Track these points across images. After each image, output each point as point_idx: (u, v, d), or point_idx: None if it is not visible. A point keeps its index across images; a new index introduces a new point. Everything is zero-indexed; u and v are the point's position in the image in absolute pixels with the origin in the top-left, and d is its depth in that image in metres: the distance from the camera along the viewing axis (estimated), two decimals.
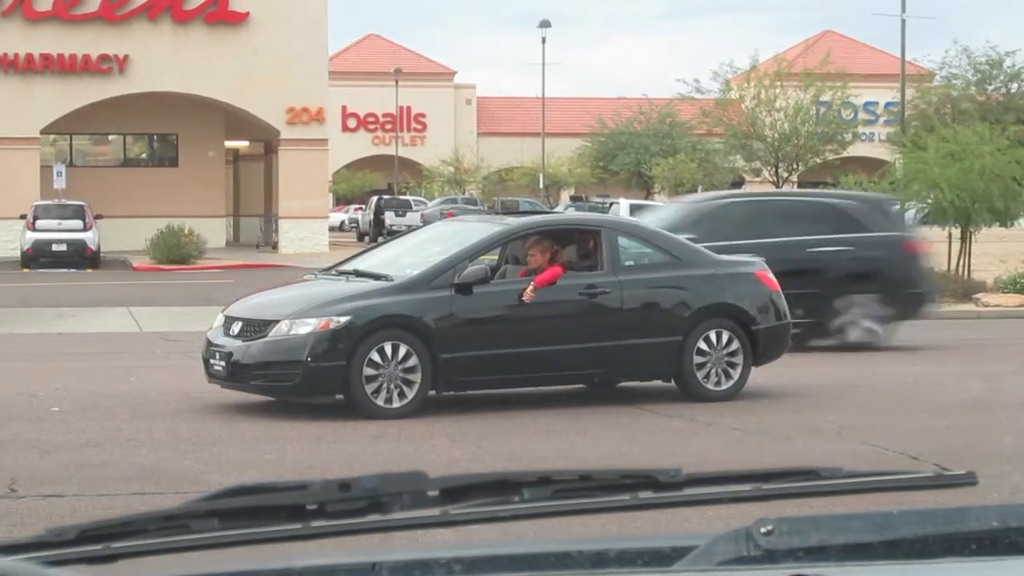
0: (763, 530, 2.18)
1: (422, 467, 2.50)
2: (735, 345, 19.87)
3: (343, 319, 18.55)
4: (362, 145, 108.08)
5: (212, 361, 19.01)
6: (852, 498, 2.54)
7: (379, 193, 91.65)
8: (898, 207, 32.55)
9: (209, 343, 19.24)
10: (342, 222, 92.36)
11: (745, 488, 2.55)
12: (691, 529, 2.37)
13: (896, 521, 2.28)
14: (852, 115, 71.85)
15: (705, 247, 21.23)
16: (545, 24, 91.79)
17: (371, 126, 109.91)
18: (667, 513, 2.47)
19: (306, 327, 18.52)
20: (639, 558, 2.24)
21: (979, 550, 2.21)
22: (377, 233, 75.04)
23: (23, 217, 55.12)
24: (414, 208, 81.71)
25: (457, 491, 2.45)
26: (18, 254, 54.12)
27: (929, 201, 41.50)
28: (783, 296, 20.97)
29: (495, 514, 2.43)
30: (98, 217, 55.60)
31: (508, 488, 2.48)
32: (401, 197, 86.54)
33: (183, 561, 2.26)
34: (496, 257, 19.92)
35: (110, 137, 66.72)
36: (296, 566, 2.20)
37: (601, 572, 2.13)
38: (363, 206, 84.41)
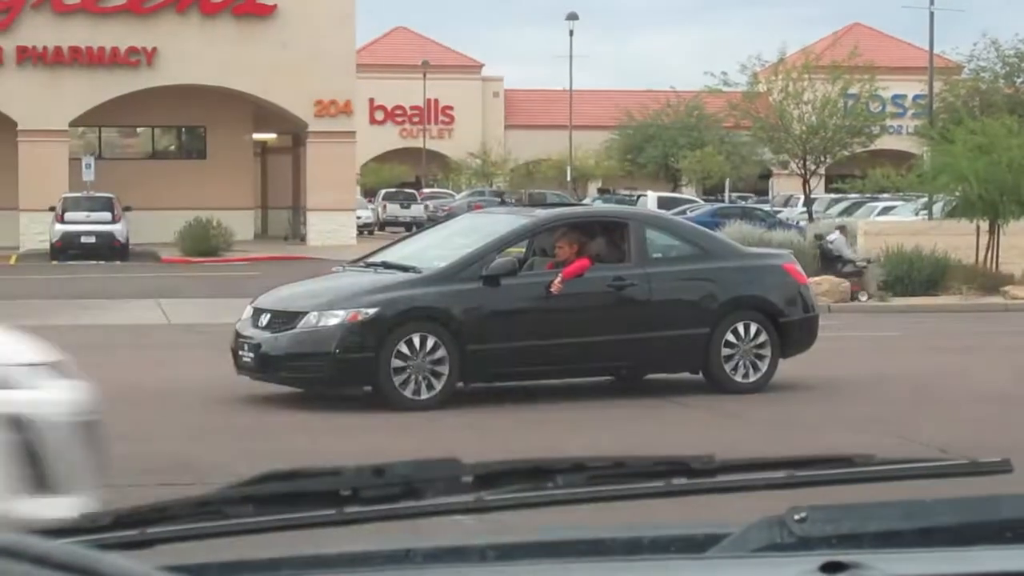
0: (797, 517, 2.18)
1: (453, 456, 2.51)
2: (763, 337, 19.85)
3: (371, 311, 18.57)
4: (390, 138, 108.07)
5: (241, 353, 19.04)
6: (885, 486, 2.53)
7: (408, 186, 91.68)
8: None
9: (238, 335, 19.27)
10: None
11: (778, 475, 2.55)
12: (724, 516, 2.36)
13: (930, 509, 2.28)
14: (880, 108, 71.71)
15: None
16: (572, 17, 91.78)
17: (399, 119, 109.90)
18: (700, 500, 2.46)
19: (334, 319, 18.55)
20: (672, 545, 2.25)
21: (1014, 538, 2.21)
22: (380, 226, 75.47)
23: (52, 209, 55.14)
24: (419, 200, 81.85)
25: (491, 477, 2.46)
26: (47, 246, 54.15)
27: (957, 194, 41.47)
28: (810, 288, 20.97)
29: (529, 500, 2.43)
30: (126, 209, 55.61)
31: (542, 475, 2.49)
32: (406, 190, 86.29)
33: (217, 546, 2.26)
34: (524, 249, 19.91)
35: (138, 129, 66.81)
36: (330, 552, 2.21)
37: (634, 559, 2.13)
38: (372, 200, 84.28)
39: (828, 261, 36.35)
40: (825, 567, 1.86)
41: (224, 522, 2.30)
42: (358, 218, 70.47)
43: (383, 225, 75.90)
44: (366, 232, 67.88)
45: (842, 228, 38.82)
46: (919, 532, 2.20)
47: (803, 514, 2.19)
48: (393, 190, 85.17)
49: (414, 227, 69.02)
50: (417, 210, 78.48)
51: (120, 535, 2.17)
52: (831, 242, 36.75)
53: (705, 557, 2.17)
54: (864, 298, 35.42)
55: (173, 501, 2.37)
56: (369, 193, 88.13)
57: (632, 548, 2.23)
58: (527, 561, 2.16)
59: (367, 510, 2.36)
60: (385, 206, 79.72)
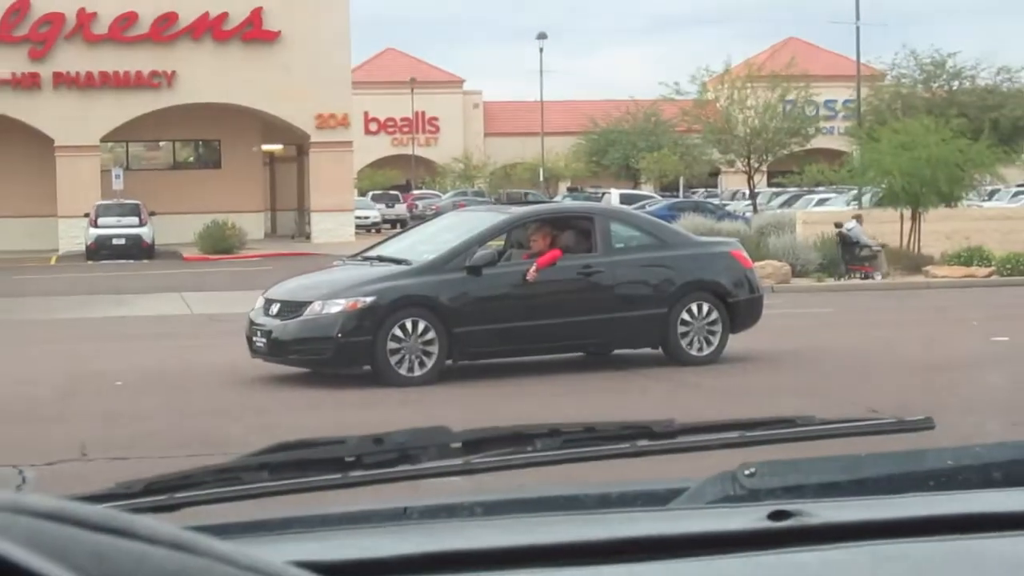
0: (747, 472, 2.19)
1: (443, 425, 2.51)
2: (714, 315, 19.90)
3: (369, 299, 18.59)
4: (383, 146, 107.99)
5: (254, 339, 19.04)
6: (824, 443, 2.53)
7: (398, 188, 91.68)
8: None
9: (251, 322, 19.28)
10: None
11: (731, 436, 2.56)
12: (683, 473, 2.36)
13: (863, 462, 2.28)
14: (814, 111, 71.66)
15: None
16: (542, 36, 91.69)
17: (390, 129, 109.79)
18: (662, 459, 2.47)
19: (336, 307, 18.56)
20: (638, 499, 2.25)
21: (936, 486, 2.21)
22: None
23: (86, 216, 55.20)
24: (402, 201, 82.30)
25: (477, 443, 2.46)
26: (83, 248, 54.17)
27: (883, 186, 41.60)
28: (755, 272, 21.02)
29: (511, 462, 2.43)
30: (152, 214, 55.64)
31: (522, 440, 2.49)
32: (391, 192, 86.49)
33: (237, 509, 2.26)
34: (503, 242, 19.93)
35: (161, 143, 66.67)
36: (336, 511, 2.21)
37: (604, 512, 2.13)
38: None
39: (847, 246, 36.75)
40: (772, 515, 1.86)
41: (242, 487, 2.30)
42: (366, 218, 70.51)
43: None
44: (374, 230, 67.72)
45: (858, 217, 39.05)
46: (854, 483, 2.20)
47: (752, 469, 2.19)
48: (380, 192, 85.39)
49: (398, 223, 69.04)
50: (400, 209, 78.97)
51: (150, 500, 2.17)
52: (849, 230, 37.03)
53: (667, 509, 2.17)
54: (878, 277, 35.74)
55: (196, 470, 2.37)
56: (363, 195, 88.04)
57: (602, 503, 2.24)
58: (510, 516, 2.16)
59: (368, 474, 2.36)
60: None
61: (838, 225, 38.17)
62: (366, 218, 70.60)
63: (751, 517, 1.87)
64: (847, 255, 36.65)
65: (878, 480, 2.22)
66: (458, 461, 2.42)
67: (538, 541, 1.81)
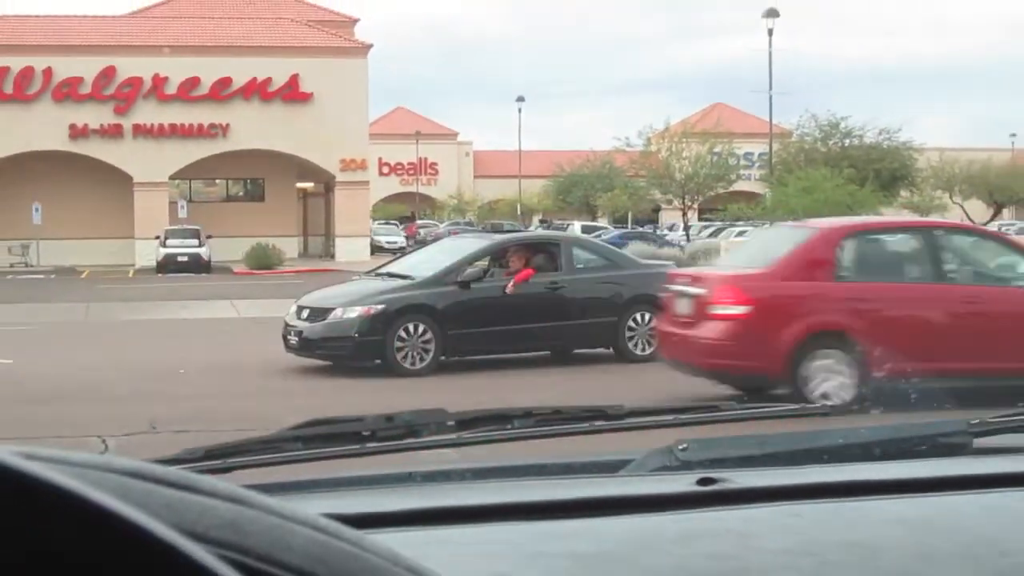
0: (680, 447, 2.19)
1: (441, 407, 2.52)
2: (655, 323, 19.90)
3: (380, 307, 18.59)
4: (392, 185, 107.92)
5: (289, 337, 19.03)
6: (742, 424, 2.54)
7: (404, 219, 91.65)
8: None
9: (287, 324, 19.27)
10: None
11: (668, 418, 2.57)
12: (630, 447, 2.37)
13: (772, 439, 2.29)
14: (735, 162, 71.61)
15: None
16: (520, 99, 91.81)
17: (399, 172, 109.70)
18: (613, 436, 2.47)
19: (354, 312, 18.57)
20: (594, 468, 2.25)
21: (830, 459, 2.22)
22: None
23: (157, 238, 55.23)
24: (400, 228, 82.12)
25: (467, 422, 2.46)
26: (154, 264, 54.13)
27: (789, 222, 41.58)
28: None
29: (494, 437, 2.44)
30: (209, 237, 55.60)
31: (503, 419, 2.49)
32: (391, 222, 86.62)
33: (277, 472, 2.27)
34: (487, 262, 19.93)
35: (217, 181, 66.59)
36: (355, 474, 2.21)
37: (567, 478, 2.14)
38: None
39: None
40: (700, 481, 1.86)
41: (281, 455, 2.30)
42: (394, 242, 70.30)
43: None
44: (399, 253, 67.54)
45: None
46: (765, 456, 2.20)
47: (685, 445, 2.19)
48: (383, 222, 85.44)
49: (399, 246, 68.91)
50: (400, 235, 78.66)
51: (208, 464, 2.17)
52: None
53: (617, 476, 2.17)
54: None
55: (245, 440, 2.37)
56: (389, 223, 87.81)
57: (566, 470, 2.24)
58: (493, 480, 2.16)
59: (381, 445, 2.36)
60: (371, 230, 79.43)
61: None
62: (394, 243, 70.55)
63: (683, 483, 1.88)
64: None
65: (784, 454, 2.22)
66: (452, 436, 2.43)
67: (515, 500, 1.81)
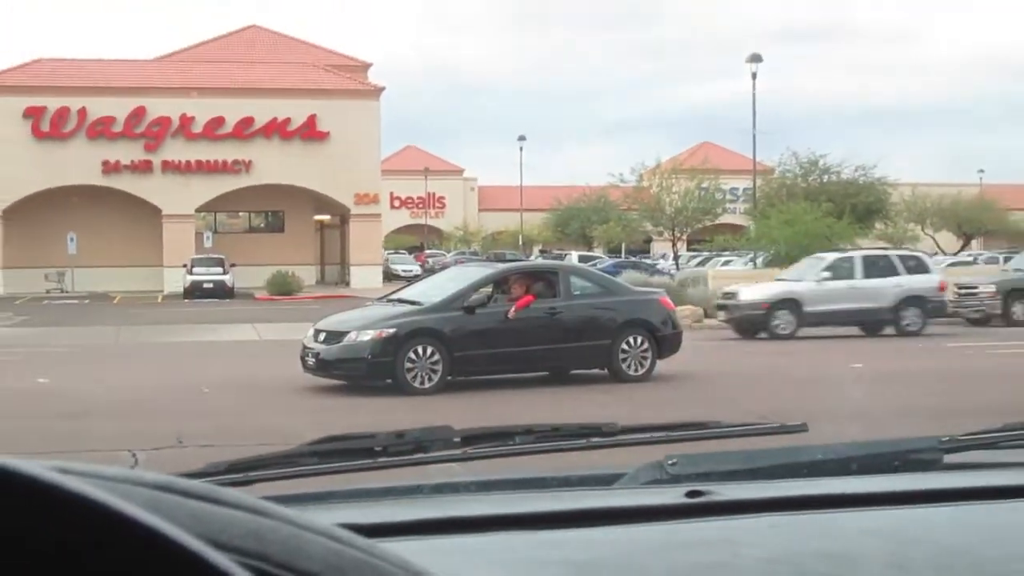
0: (670, 462, 2.19)
1: (448, 424, 2.52)
2: (646, 345, 19.90)
3: (391, 330, 18.59)
4: (403, 218, 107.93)
5: (307, 358, 19.02)
6: (727, 441, 2.54)
7: (414, 249, 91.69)
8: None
9: (304, 346, 19.26)
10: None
11: (658, 435, 2.56)
12: (623, 461, 2.37)
13: (756, 455, 2.29)
14: (721, 196, 71.65)
15: None
16: (522, 138, 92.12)
17: (409, 205, 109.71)
18: (608, 452, 2.47)
19: (368, 336, 18.56)
20: (590, 480, 2.25)
21: (809, 473, 2.21)
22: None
23: (184, 266, 55.29)
24: (414, 260, 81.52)
25: (473, 438, 2.46)
26: (181, 290, 54.17)
27: (772, 251, 41.67)
28: (676, 314, 21.02)
29: (498, 453, 2.43)
30: (233, 265, 55.65)
31: (506, 436, 2.49)
32: (400, 252, 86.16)
33: (295, 484, 2.26)
34: (491, 289, 19.93)
35: (240, 213, 66.63)
36: (368, 487, 2.20)
37: (565, 490, 2.14)
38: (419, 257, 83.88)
39: None
40: (688, 494, 1.86)
41: (299, 468, 2.30)
42: (408, 271, 70.11)
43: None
44: (413, 280, 67.22)
45: None
46: (749, 470, 2.20)
47: (675, 460, 2.19)
48: (392, 252, 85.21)
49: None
50: (415, 264, 78.26)
51: (231, 477, 2.17)
52: None
53: (611, 488, 2.17)
54: None
55: (265, 455, 2.37)
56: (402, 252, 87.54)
57: (563, 483, 2.24)
58: (496, 492, 2.15)
59: (392, 460, 2.36)
60: (388, 260, 79.18)
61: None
62: (409, 271, 70.46)
63: (673, 495, 1.88)
64: None
65: (766, 468, 2.22)
66: (458, 451, 2.43)
67: (516, 511, 1.81)
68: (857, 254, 33.81)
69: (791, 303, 30.41)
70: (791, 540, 1.63)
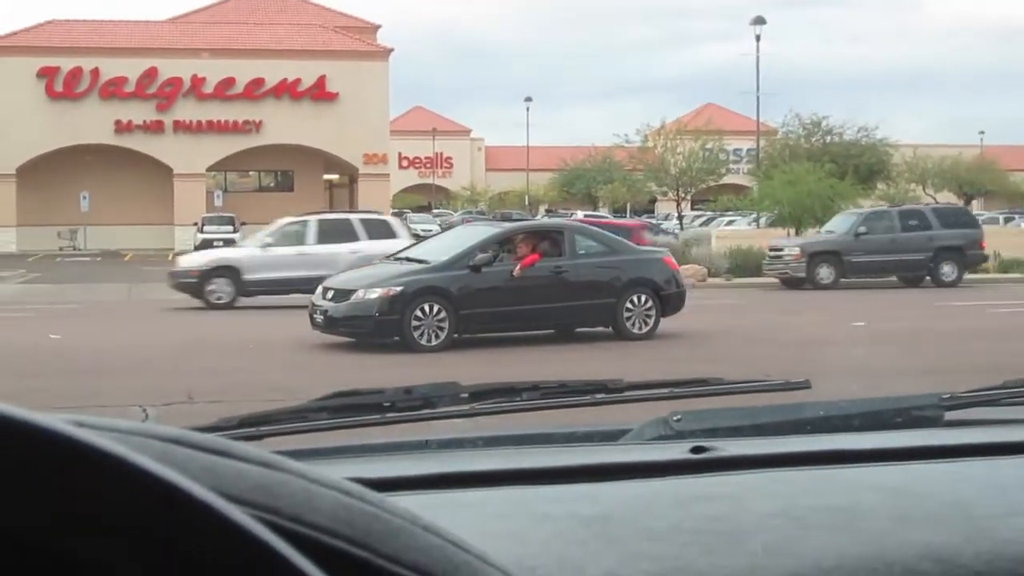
0: (675, 418, 2.18)
1: (455, 380, 2.52)
2: (650, 304, 19.91)
3: (398, 288, 18.60)
4: (411, 178, 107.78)
5: (315, 316, 19.05)
6: (731, 397, 2.54)
7: (423, 209, 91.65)
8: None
9: (313, 304, 19.29)
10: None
11: (663, 391, 2.56)
12: (628, 417, 2.37)
13: (759, 412, 2.28)
14: (725, 157, 71.50)
15: None
16: (528, 99, 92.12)
17: (417, 165, 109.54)
18: (613, 408, 2.47)
19: (375, 294, 18.59)
20: (595, 436, 2.25)
21: (812, 430, 2.21)
22: None
23: (195, 224, 55.28)
24: (434, 220, 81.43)
25: (480, 394, 2.46)
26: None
27: (775, 212, 41.64)
28: (680, 273, 21.02)
29: (504, 409, 2.43)
30: (243, 224, 55.63)
31: (512, 392, 2.49)
32: (404, 211, 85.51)
33: (305, 439, 2.26)
34: (497, 248, 19.92)
35: (250, 173, 66.64)
36: (376, 443, 2.21)
37: (570, 446, 2.13)
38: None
39: None
40: (693, 449, 1.86)
41: (309, 423, 2.30)
42: (428, 230, 69.93)
43: None
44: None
45: None
46: (753, 427, 2.20)
47: (679, 416, 2.19)
48: (396, 211, 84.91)
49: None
50: (435, 223, 78.10)
51: (242, 432, 2.17)
52: None
53: (616, 444, 2.17)
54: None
55: (276, 410, 2.37)
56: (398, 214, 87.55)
57: (569, 439, 2.23)
58: (503, 447, 2.16)
59: (400, 415, 2.36)
60: (408, 218, 79.06)
61: None
62: (429, 230, 70.27)
63: (678, 451, 1.88)
64: None
65: (770, 425, 2.22)
66: (465, 407, 2.42)
67: (523, 466, 1.81)
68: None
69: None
70: (795, 495, 1.63)
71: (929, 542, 1.42)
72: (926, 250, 33.61)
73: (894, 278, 33.68)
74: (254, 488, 0.82)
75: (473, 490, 1.65)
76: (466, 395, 2.45)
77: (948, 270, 33.62)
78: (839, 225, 35.11)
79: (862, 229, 33.98)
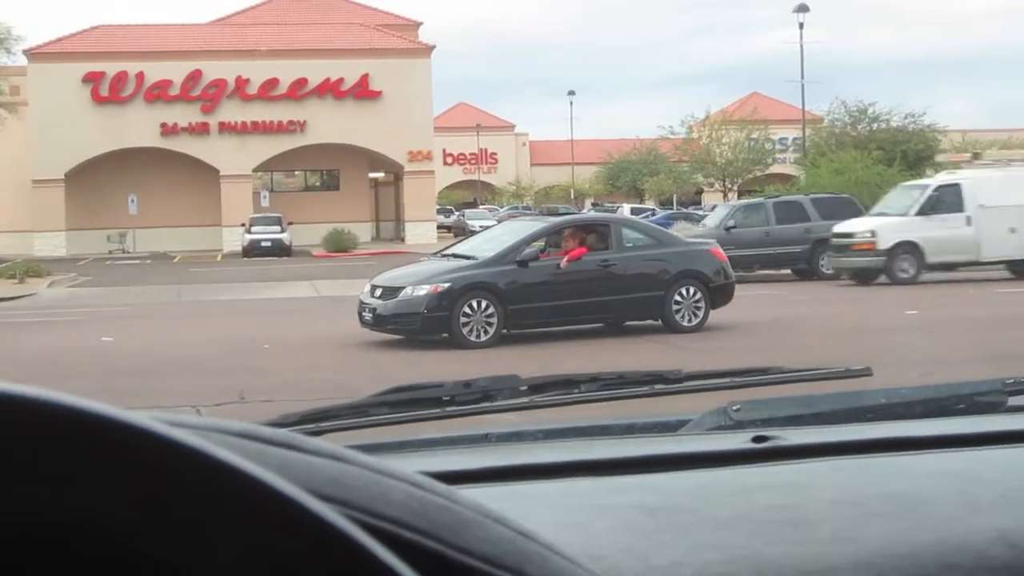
0: (734, 408, 2.18)
1: (514, 373, 2.52)
2: (699, 296, 19.83)
3: (446, 285, 18.61)
4: (455, 174, 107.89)
5: (363, 314, 19.09)
6: (789, 386, 2.53)
7: (467, 205, 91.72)
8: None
9: (361, 302, 19.32)
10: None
11: (723, 381, 2.55)
12: (688, 408, 2.36)
13: (819, 400, 2.27)
14: (771, 147, 71.37)
15: None
16: (571, 93, 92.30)
17: (461, 162, 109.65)
18: (672, 398, 2.47)
19: (423, 290, 18.59)
20: (654, 428, 2.24)
21: (872, 417, 2.20)
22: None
23: (243, 225, 55.55)
24: (455, 213, 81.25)
25: (539, 387, 2.46)
26: (240, 248, 54.46)
27: None
28: (729, 264, 20.94)
29: (564, 401, 2.43)
30: (290, 223, 55.88)
31: (572, 384, 2.49)
32: (447, 207, 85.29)
33: (365, 435, 2.27)
34: (543, 243, 19.90)
35: (296, 172, 66.89)
36: (437, 436, 2.21)
37: (630, 437, 2.13)
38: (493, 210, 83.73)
39: None
40: (754, 439, 1.85)
41: (368, 419, 2.31)
42: (485, 226, 69.59)
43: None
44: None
45: None
46: (813, 415, 2.19)
47: (738, 406, 2.18)
48: (439, 207, 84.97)
49: (454, 228, 68.45)
50: (453, 219, 78.04)
51: (302, 428, 2.18)
52: None
53: (676, 435, 2.16)
54: None
55: (335, 405, 2.38)
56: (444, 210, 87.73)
57: (628, 430, 2.23)
58: (562, 440, 2.15)
59: (460, 409, 2.36)
60: (464, 215, 79.18)
61: None
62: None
63: (738, 440, 1.87)
64: None
65: (830, 413, 2.21)
66: (525, 400, 2.42)
67: (584, 457, 1.81)
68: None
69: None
70: (859, 482, 1.62)
71: (999, 527, 1.41)
72: (803, 243, 31.49)
73: (788, 271, 32.06)
74: (326, 481, 0.82)
75: (536, 482, 1.65)
76: (525, 388, 2.45)
77: (827, 263, 31.01)
78: (712, 219, 33.84)
79: (731, 223, 32.04)
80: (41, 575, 0.75)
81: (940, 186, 30.52)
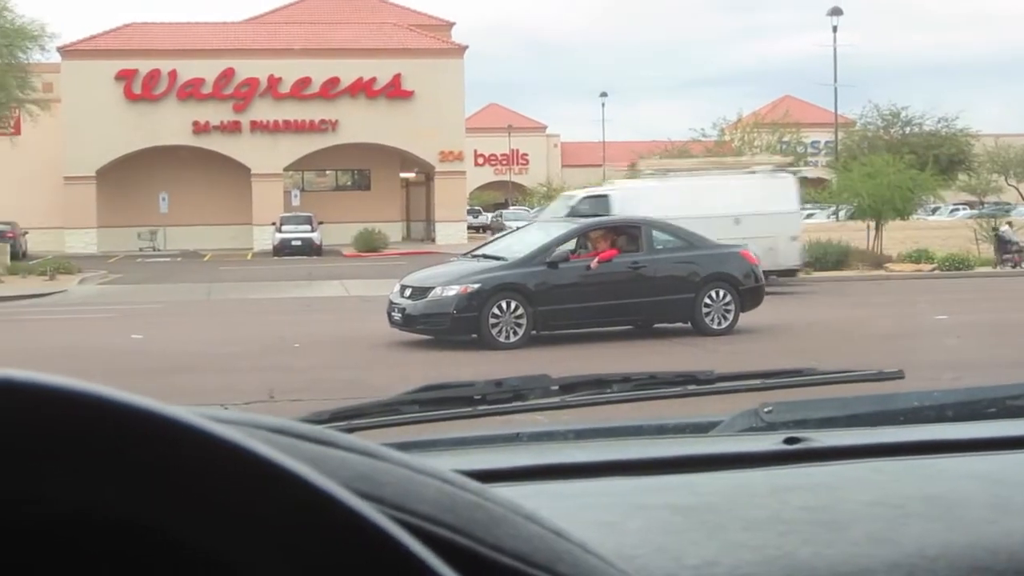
0: (766, 410, 2.17)
1: (545, 373, 2.52)
2: (729, 299, 19.80)
3: (475, 285, 18.63)
4: (487, 175, 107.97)
5: (392, 314, 19.12)
6: (822, 388, 2.52)
7: (498, 206, 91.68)
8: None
9: (391, 302, 19.36)
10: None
11: (754, 382, 2.55)
12: (719, 409, 2.36)
13: (852, 402, 2.27)
14: (803, 150, 71.06)
15: None
16: (603, 94, 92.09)
17: (492, 162, 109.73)
18: (704, 399, 2.46)
19: (452, 291, 18.62)
20: (686, 428, 2.24)
21: (904, 420, 2.19)
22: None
23: (273, 224, 55.65)
24: (483, 214, 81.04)
25: (570, 386, 2.46)
26: (270, 247, 54.58)
27: (854, 204, 41.29)
28: (759, 267, 20.88)
29: (595, 401, 2.43)
30: (320, 223, 55.96)
31: (603, 384, 2.49)
32: (475, 207, 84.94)
33: (397, 432, 2.27)
34: (573, 244, 19.90)
35: (327, 171, 67.01)
36: (469, 435, 2.21)
37: (661, 437, 2.13)
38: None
39: (1001, 243, 36.74)
40: (786, 440, 1.85)
41: (400, 416, 2.31)
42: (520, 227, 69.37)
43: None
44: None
45: (1009, 223, 39.31)
46: (846, 417, 2.19)
47: (770, 407, 2.18)
48: (467, 207, 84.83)
49: (482, 228, 68.43)
50: (483, 219, 78.01)
51: (334, 425, 2.18)
52: (1003, 232, 37.12)
53: (708, 436, 2.16)
54: None
55: (366, 403, 2.38)
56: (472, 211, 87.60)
57: (660, 431, 2.23)
58: (594, 439, 2.15)
59: (491, 408, 2.36)
60: (502, 215, 79.10)
61: (994, 229, 38.06)
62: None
63: (770, 442, 1.86)
64: (1001, 251, 36.66)
65: (863, 415, 2.20)
66: (556, 400, 2.42)
67: (614, 457, 1.80)
68: None
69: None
70: (893, 484, 1.61)
71: None
72: None
73: None
74: (359, 477, 0.82)
75: (568, 481, 1.65)
76: (556, 387, 2.45)
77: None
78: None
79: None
80: (88, 565, 0.76)
81: (587, 197, 29.81)
